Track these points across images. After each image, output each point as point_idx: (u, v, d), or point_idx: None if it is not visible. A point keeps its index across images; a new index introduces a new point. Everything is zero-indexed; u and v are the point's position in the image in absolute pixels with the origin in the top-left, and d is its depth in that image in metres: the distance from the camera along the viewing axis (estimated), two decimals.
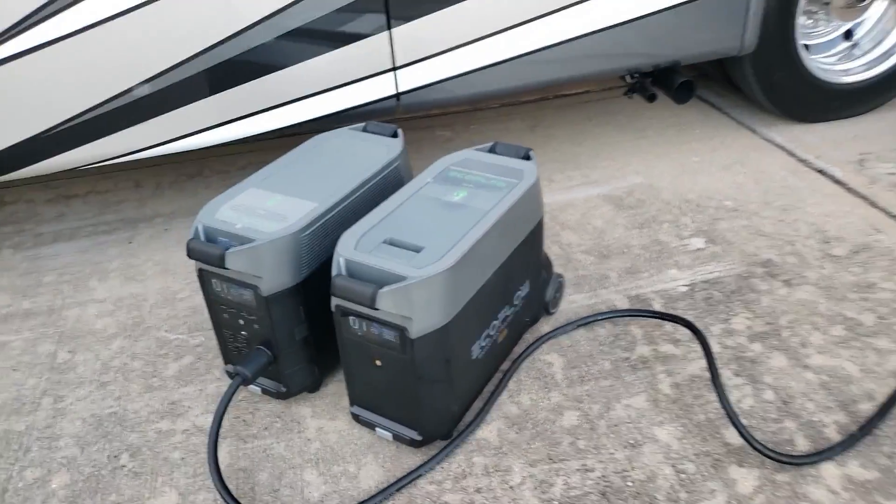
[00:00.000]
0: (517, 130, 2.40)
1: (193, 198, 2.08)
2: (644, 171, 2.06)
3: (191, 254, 1.15)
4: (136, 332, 1.53)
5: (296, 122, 1.70)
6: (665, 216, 1.83)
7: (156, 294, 1.65)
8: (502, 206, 1.19)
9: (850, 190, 1.90)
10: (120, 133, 1.62)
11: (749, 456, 1.16)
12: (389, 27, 1.65)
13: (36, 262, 1.80)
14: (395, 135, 1.45)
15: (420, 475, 1.14)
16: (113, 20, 1.49)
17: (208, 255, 1.13)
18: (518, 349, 1.40)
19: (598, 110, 2.49)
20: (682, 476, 1.13)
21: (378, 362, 1.11)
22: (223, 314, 1.24)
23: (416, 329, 1.03)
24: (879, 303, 1.48)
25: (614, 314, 1.47)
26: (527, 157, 1.33)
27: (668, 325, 1.45)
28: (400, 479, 1.13)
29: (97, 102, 1.57)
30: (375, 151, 1.39)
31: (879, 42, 2.24)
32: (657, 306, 1.51)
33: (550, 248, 1.73)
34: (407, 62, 1.70)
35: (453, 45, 1.71)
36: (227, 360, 1.32)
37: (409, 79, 1.72)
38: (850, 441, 1.17)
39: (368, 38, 1.65)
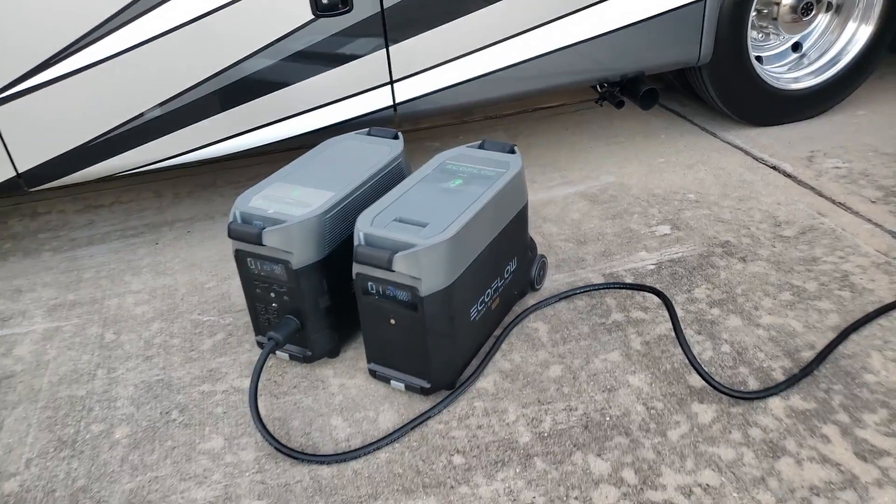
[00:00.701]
0: (500, 140, 2.64)
1: (209, 205, 2.29)
2: (615, 171, 2.30)
3: (231, 234, 1.36)
4: (172, 315, 1.73)
5: (307, 130, 1.93)
6: (635, 208, 2.07)
7: (185, 285, 1.85)
8: (492, 189, 1.41)
9: (799, 182, 2.14)
10: (149, 144, 1.84)
11: (708, 395, 1.38)
12: (387, 46, 1.88)
13: (74, 262, 2.00)
14: (395, 137, 1.67)
15: (430, 416, 1.35)
16: (143, 46, 1.71)
17: (247, 234, 1.34)
18: (508, 319, 1.61)
19: (573, 121, 2.74)
20: (652, 411, 1.34)
21: (392, 321, 1.32)
22: (256, 289, 1.45)
23: (425, 288, 1.25)
24: (822, 273, 1.71)
25: (591, 287, 1.69)
26: (511, 151, 1.55)
27: (638, 296, 1.67)
28: (414, 420, 1.33)
29: (132, 116, 1.78)
30: (380, 150, 1.62)
31: (825, 52, 2.51)
32: (628, 281, 1.73)
33: (534, 237, 1.95)
34: (403, 76, 1.94)
35: (443, 60, 1.95)
36: (257, 332, 1.52)
37: (405, 91, 1.96)
38: (792, 380, 1.39)
39: (369, 56, 1.88)
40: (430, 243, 1.23)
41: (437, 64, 1.95)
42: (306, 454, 1.27)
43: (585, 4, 2.00)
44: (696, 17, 2.14)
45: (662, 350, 1.50)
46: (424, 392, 1.37)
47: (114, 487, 1.26)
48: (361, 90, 1.90)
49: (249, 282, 1.45)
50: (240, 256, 1.42)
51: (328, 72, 1.86)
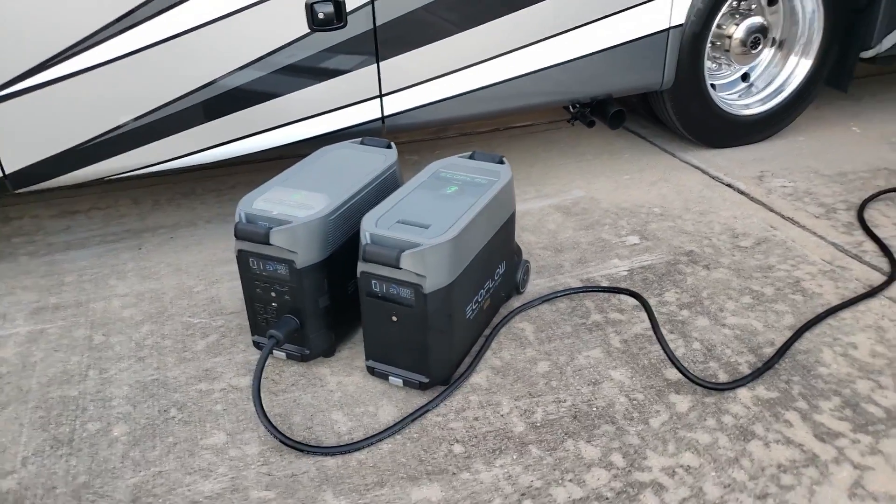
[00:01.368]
0: None
1: (191, 212, 2.30)
2: (585, 186, 2.44)
3: (238, 234, 1.40)
4: (162, 318, 1.74)
5: (298, 139, 1.98)
6: (605, 220, 2.20)
7: (173, 289, 1.86)
8: (487, 196, 1.50)
9: (752, 199, 2.32)
10: (141, 148, 1.86)
11: (684, 387, 1.49)
12: (378, 61, 1.97)
13: (53, 266, 1.98)
14: (389, 146, 1.75)
15: (429, 409, 1.41)
16: (138, 53, 1.75)
17: (255, 233, 1.38)
18: (496, 320, 1.70)
19: (544, 139, 2.88)
20: (634, 402, 1.45)
21: (394, 318, 1.38)
22: (256, 289, 1.49)
23: (429, 285, 1.32)
24: (777, 279, 1.87)
25: (572, 291, 1.79)
26: (501, 162, 1.65)
27: (615, 299, 1.79)
28: (413, 413, 1.39)
29: (125, 121, 1.80)
30: (375, 159, 1.69)
31: (770, 82, 2.73)
32: (605, 285, 1.84)
33: None
34: (392, 90, 2.02)
35: (430, 77, 2.05)
36: (254, 332, 1.56)
37: (394, 104, 2.04)
38: (757, 373, 1.52)
39: (360, 70, 1.96)
40: (434, 242, 1.31)
41: (423, 80, 2.04)
42: (312, 446, 1.32)
43: (561, 30, 2.14)
44: (660, 45, 2.31)
45: (640, 347, 1.61)
46: (422, 387, 1.44)
47: (117, 483, 1.27)
48: (352, 102, 1.98)
49: (250, 282, 1.49)
50: (242, 256, 1.46)
51: (320, 84, 1.93)
